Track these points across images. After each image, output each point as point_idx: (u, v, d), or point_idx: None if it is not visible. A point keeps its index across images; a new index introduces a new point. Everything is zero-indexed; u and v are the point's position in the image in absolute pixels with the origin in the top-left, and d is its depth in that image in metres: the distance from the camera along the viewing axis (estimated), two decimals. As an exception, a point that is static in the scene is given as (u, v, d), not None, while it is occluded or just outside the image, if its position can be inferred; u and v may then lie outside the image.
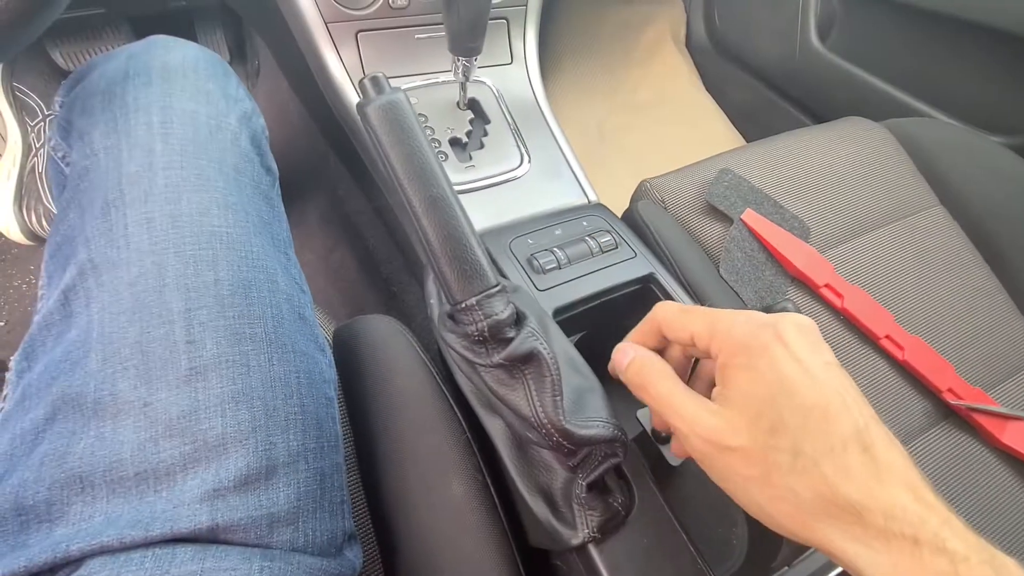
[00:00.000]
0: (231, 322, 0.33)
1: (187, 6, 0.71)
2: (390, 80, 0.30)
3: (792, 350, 0.25)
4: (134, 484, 0.29)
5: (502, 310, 0.29)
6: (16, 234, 0.82)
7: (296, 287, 0.40)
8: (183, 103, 0.38)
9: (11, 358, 0.35)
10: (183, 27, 0.90)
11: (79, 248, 0.34)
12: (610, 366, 0.31)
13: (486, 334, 0.29)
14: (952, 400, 0.54)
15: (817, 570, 0.33)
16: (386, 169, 0.30)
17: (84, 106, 0.38)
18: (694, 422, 0.26)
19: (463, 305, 0.29)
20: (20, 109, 0.84)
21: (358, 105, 0.30)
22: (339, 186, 0.73)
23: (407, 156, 0.29)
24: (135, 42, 0.42)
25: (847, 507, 0.22)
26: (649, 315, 0.31)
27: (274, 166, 0.45)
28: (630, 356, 0.30)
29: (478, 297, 0.29)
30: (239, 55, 0.99)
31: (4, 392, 0.35)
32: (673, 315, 0.30)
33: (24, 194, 0.83)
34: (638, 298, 0.49)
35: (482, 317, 0.29)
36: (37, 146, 0.83)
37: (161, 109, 0.37)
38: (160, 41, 0.41)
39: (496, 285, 0.30)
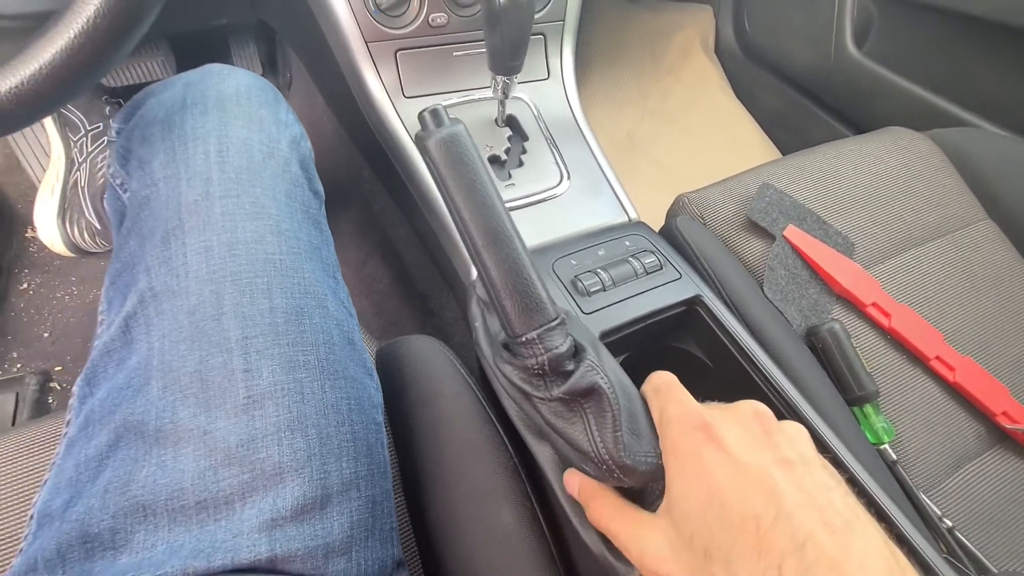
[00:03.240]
0: (285, 350, 0.34)
1: (225, 23, 0.72)
2: (433, 100, 0.30)
3: (730, 451, 0.23)
4: (194, 513, 0.29)
5: (562, 343, 0.29)
6: (60, 247, 0.85)
7: (345, 311, 0.40)
8: (238, 131, 0.39)
9: (75, 384, 0.36)
10: (218, 42, 0.91)
11: (139, 276, 0.35)
12: (565, 483, 0.32)
13: (546, 368, 0.29)
14: (1007, 424, 0.53)
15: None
16: (446, 201, 0.30)
17: (144, 135, 0.40)
18: (638, 550, 0.25)
19: (524, 339, 0.29)
20: (63, 125, 0.86)
21: (417, 137, 0.30)
22: (374, 202, 0.74)
23: (468, 189, 0.29)
24: (190, 71, 0.43)
25: None
26: None
27: (321, 189, 0.46)
28: (575, 486, 0.30)
29: (539, 331, 0.29)
30: (271, 69, 1.00)
31: (68, 417, 0.35)
32: (657, 382, 0.30)
33: (67, 208, 0.85)
34: (684, 319, 0.48)
35: (543, 351, 0.29)
36: (80, 160, 0.86)
37: (218, 138, 0.38)
38: (215, 70, 0.42)
39: (556, 318, 0.29)
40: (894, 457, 0.50)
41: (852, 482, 0.40)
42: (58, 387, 0.76)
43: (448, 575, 0.39)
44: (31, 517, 0.32)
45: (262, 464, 0.31)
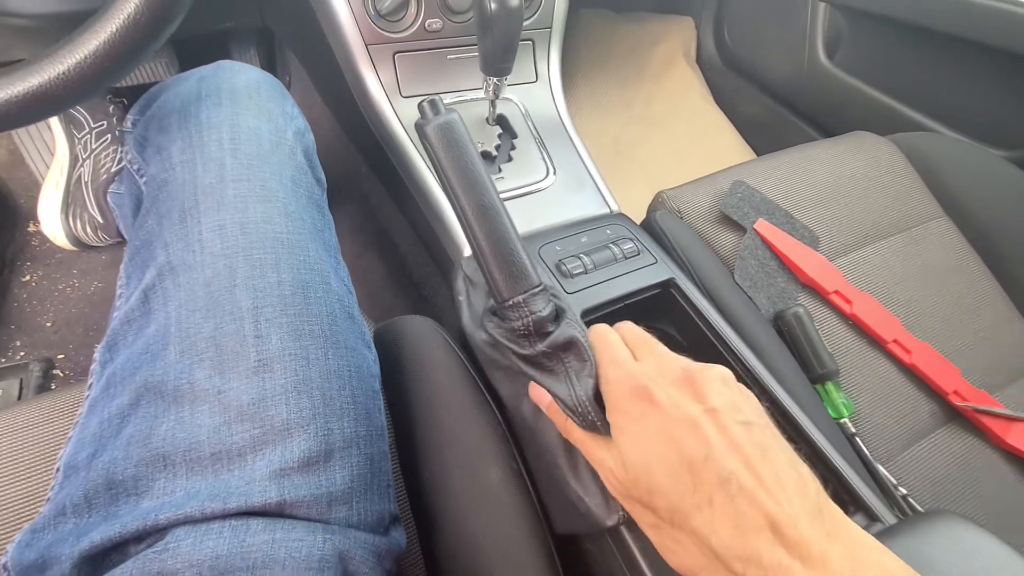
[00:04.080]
0: (292, 319, 0.36)
1: (231, 27, 0.76)
2: (426, 97, 0.34)
3: (663, 408, 0.27)
4: (210, 463, 0.32)
5: (544, 307, 0.33)
6: (62, 240, 0.87)
7: (345, 288, 0.43)
8: (248, 121, 0.42)
9: (96, 347, 0.39)
10: (219, 46, 0.94)
11: (158, 252, 0.38)
12: (531, 396, 0.35)
13: (531, 328, 0.32)
14: (958, 402, 0.57)
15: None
16: (442, 181, 0.34)
17: (161, 124, 0.43)
18: (601, 465, 0.30)
19: (511, 302, 0.32)
20: (68, 122, 0.88)
21: (417, 124, 0.34)
22: (371, 196, 0.77)
23: (462, 169, 0.33)
24: (204, 67, 0.46)
25: (718, 559, 0.24)
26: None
27: (323, 177, 0.49)
28: (545, 402, 0.34)
29: (524, 295, 0.32)
30: (269, 71, 1.04)
31: (90, 381, 0.38)
32: (593, 340, 0.33)
33: (70, 203, 0.88)
34: (659, 301, 0.52)
35: (528, 313, 0.32)
36: (84, 157, 0.88)
37: (231, 127, 0.41)
38: (228, 65, 0.46)
39: (539, 285, 0.33)
40: (853, 430, 0.54)
41: (774, 405, 0.45)
42: (60, 374, 0.78)
43: (439, 530, 0.42)
44: (57, 470, 0.35)
45: (271, 421, 0.33)
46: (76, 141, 0.88)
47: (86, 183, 0.87)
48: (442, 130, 0.33)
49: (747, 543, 0.23)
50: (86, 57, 0.29)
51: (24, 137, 0.91)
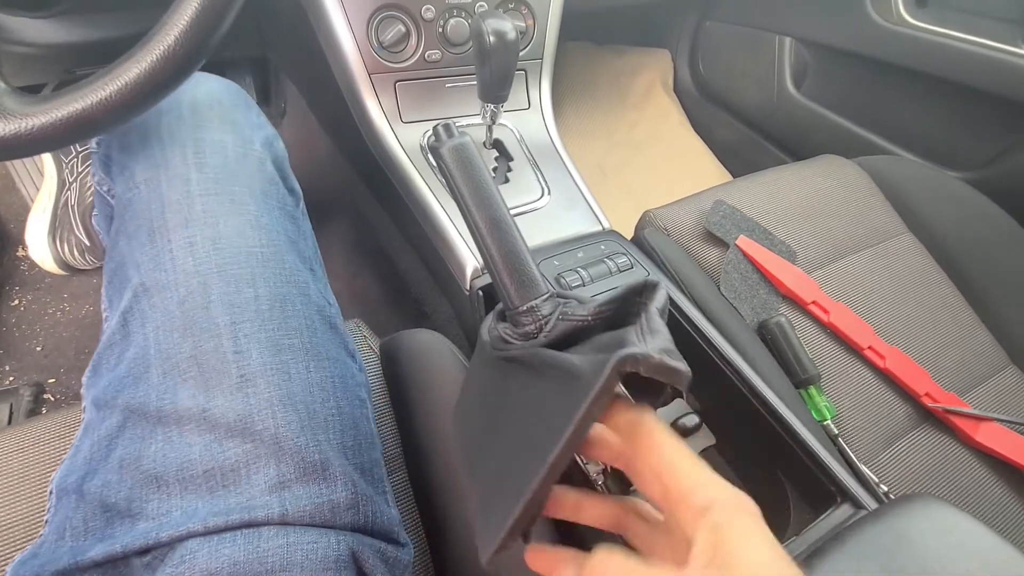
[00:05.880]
0: (271, 334, 0.36)
1: (231, 56, 0.79)
2: (429, 125, 0.36)
3: None
4: (203, 481, 0.31)
5: (553, 310, 0.35)
6: (50, 265, 0.87)
7: (325, 300, 0.42)
8: (212, 133, 0.41)
9: (84, 375, 0.38)
10: (215, 72, 0.97)
11: (131, 273, 0.37)
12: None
13: (542, 329, 0.35)
14: (930, 403, 0.61)
15: (821, 538, 0.38)
16: (456, 197, 0.36)
17: (123, 142, 0.41)
18: None
19: (523, 308, 0.35)
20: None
21: (432, 146, 0.37)
22: (368, 216, 0.79)
23: (475, 186, 0.35)
24: None
25: None
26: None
27: (297, 187, 0.47)
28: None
29: (535, 301, 0.35)
30: (264, 99, 1.07)
31: (83, 404, 0.38)
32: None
33: (58, 226, 0.88)
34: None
35: (540, 316, 0.35)
36: (70, 181, 0.89)
37: (194, 141, 0.40)
38: None
39: (547, 292, 0.36)
40: (836, 432, 0.57)
41: (765, 407, 0.45)
42: (52, 398, 0.77)
43: (450, 538, 0.43)
44: (50, 493, 0.35)
45: (260, 435, 0.32)
46: (64, 165, 0.88)
47: (73, 206, 0.87)
48: (456, 151, 0.35)
49: None
50: (126, 84, 0.31)
51: (15, 162, 0.92)
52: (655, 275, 0.56)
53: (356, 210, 0.85)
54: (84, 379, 0.38)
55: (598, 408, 0.21)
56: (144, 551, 0.30)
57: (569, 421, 0.21)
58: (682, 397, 0.45)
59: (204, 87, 0.44)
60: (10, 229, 0.90)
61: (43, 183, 0.90)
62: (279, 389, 0.34)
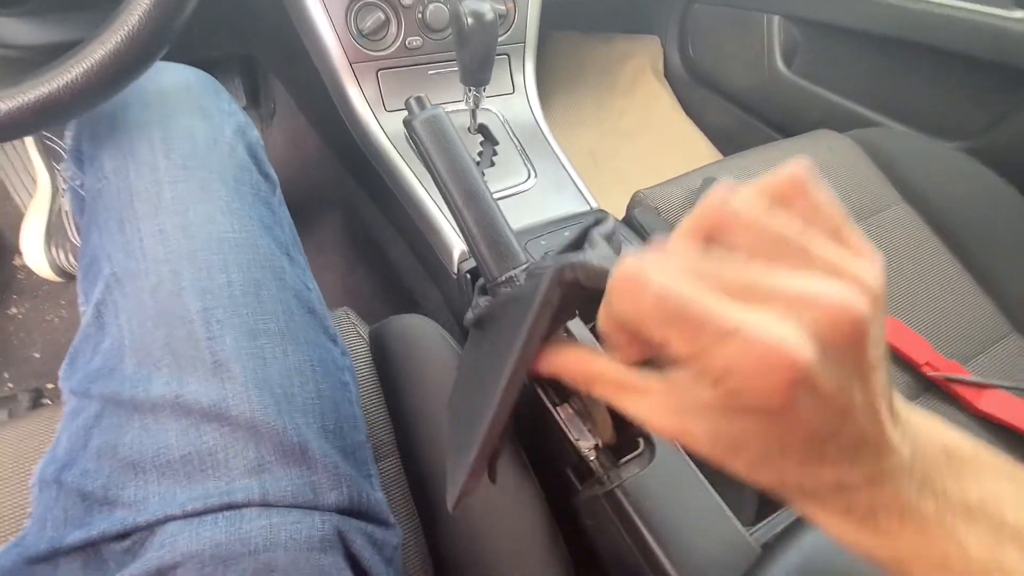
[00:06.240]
0: (245, 319, 0.35)
1: (213, 56, 0.79)
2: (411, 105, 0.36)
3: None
4: (181, 466, 0.31)
5: (533, 283, 0.35)
6: (46, 272, 0.87)
7: (302, 284, 0.41)
8: (181, 120, 0.40)
9: (60, 368, 0.38)
10: (204, 75, 0.97)
11: (103, 264, 0.37)
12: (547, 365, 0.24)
13: None
14: (931, 372, 0.60)
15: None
16: (431, 171, 0.36)
17: (91, 133, 0.41)
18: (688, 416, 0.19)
19: (501, 279, 0.34)
20: (48, 155, 0.89)
21: (405, 120, 0.36)
22: (359, 209, 0.79)
23: (449, 159, 0.35)
24: None
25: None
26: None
27: (272, 174, 0.47)
28: (563, 360, 0.23)
29: (512, 272, 0.34)
30: (253, 101, 1.07)
31: (63, 397, 0.38)
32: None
33: (53, 233, 0.88)
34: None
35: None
36: (64, 188, 0.89)
37: (161, 128, 0.39)
38: (154, 66, 0.42)
39: (525, 263, 0.35)
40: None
41: None
42: (49, 402, 0.77)
43: (442, 521, 0.43)
44: (33, 485, 0.35)
45: (237, 420, 0.32)
46: (56, 172, 0.89)
47: (66, 212, 0.87)
48: (429, 123, 0.35)
49: None
50: (92, 67, 0.31)
51: (9, 172, 0.92)
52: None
53: (348, 206, 0.85)
54: (60, 372, 0.38)
55: (542, 321, 0.21)
56: (123, 536, 0.30)
57: (517, 339, 0.21)
58: None
59: (172, 75, 0.43)
60: (6, 238, 0.91)
61: (36, 191, 0.91)
62: (255, 373, 0.33)
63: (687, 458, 0.38)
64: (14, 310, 0.85)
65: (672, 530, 0.35)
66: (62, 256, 0.88)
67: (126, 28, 0.32)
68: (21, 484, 0.40)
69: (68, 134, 0.46)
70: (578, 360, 0.23)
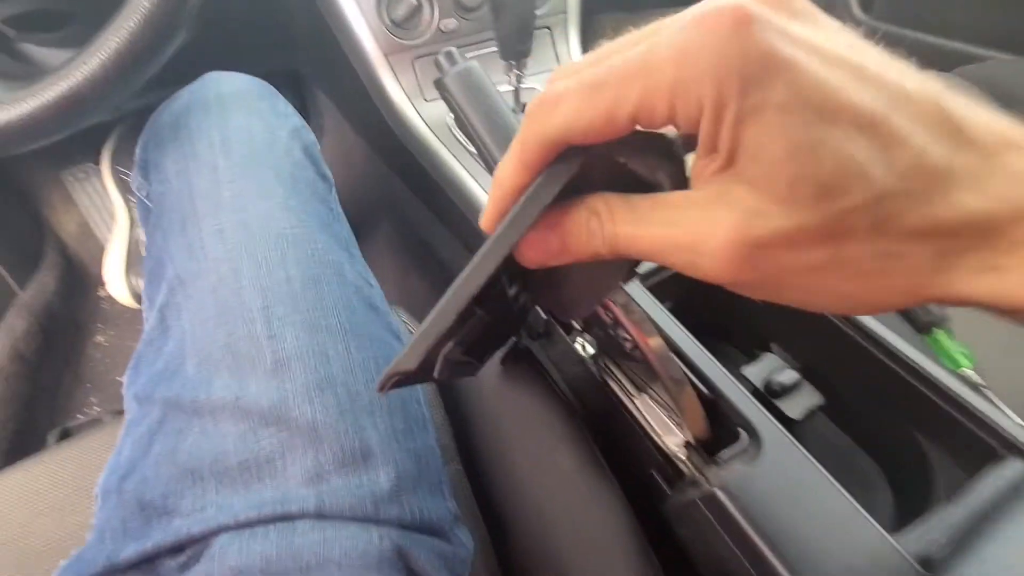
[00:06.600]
0: (306, 315, 0.34)
1: (259, 73, 0.80)
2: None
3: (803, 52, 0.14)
4: (238, 473, 0.30)
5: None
6: (126, 299, 0.92)
7: (363, 280, 0.41)
8: (238, 121, 0.42)
9: (125, 373, 0.38)
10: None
11: (167, 267, 0.37)
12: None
13: None
14: None
15: (988, 499, 0.29)
16: (468, 133, 0.32)
17: (156, 141, 0.43)
18: (692, 233, 0.15)
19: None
20: (122, 188, 0.95)
21: (436, 80, 0.32)
22: (409, 214, 0.77)
23: (486, 113, 0.31)
24: (193, 82, 0.47)
25: (963, 231, 0.14)
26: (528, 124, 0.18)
27: (328, 173, 0.47)
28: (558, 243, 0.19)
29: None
30: (303, 115, 1.09)
31: (125, 405, 0.37)
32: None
33: (132, 263, 0.93)
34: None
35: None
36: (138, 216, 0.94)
37: (220, 130, 0.41)
38: (213, 76, 0.46)
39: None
40: (981, 381, 0.46)
41: (892, 357, 0.37)
42: (131, 424, 0.80)
43: (512, 529, 0.38)
44: (96, 496, 0.34)
45: (296, 422, 0.31)
46: (132, 205, 0.94)
47: (142, 243, 0.92)
48: (461, 77, 0.31)
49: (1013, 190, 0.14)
50: (111, 54, 0.30)
51: (91, 209, 0.99)
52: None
53: (397, 211, 0.83)
54: (124, 379, 0.38)
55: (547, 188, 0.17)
56: (177, 549, 0.29)
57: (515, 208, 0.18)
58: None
59: (230, 83, 0.45)
60: (91, 271, 0.97)
61: (115, 226, 0.96)
62: (316, 372, 0.32)
63: (803, 451, 0.31)
64: (100, 338, 0.90)
65: (793, 538, 0.28)
66: (141, 284, 0.92)
67: (140, 12, 0.30)
68: (87, 497, 0.39)
69: (137, 150, 0.49)
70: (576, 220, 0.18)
